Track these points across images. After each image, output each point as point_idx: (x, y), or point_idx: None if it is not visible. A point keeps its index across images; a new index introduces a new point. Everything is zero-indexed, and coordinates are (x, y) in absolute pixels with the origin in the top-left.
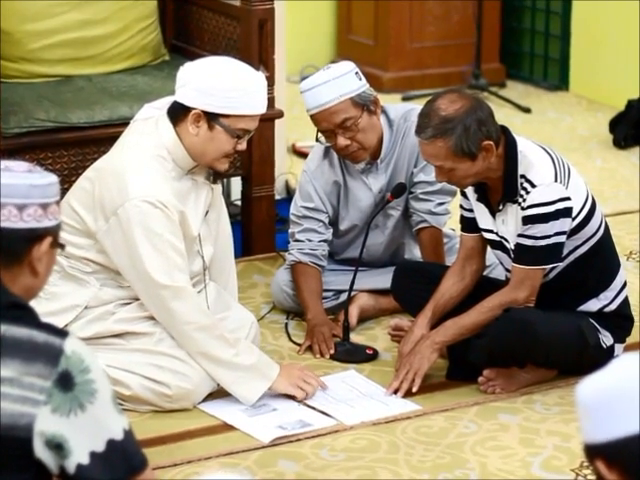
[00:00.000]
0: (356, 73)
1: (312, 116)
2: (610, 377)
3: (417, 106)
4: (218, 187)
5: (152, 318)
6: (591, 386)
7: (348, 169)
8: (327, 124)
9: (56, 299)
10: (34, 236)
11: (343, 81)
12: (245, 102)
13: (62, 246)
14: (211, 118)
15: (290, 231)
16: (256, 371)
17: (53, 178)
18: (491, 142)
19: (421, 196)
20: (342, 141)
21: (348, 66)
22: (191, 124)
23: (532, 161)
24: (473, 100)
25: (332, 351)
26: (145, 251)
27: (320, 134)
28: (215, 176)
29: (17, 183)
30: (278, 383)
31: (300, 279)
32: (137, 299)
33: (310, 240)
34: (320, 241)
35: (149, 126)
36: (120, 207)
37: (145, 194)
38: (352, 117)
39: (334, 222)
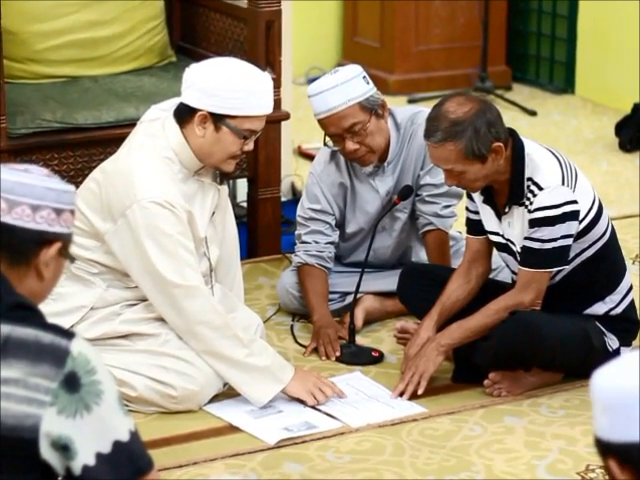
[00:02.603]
0: (364, 77)
1: (320, 120)
2: (633, 378)
3: (424, 108)
4: (224, 188)
5: (158, 319)
6: (612, 383)
7: (355, 171)
8: (335, 129)
9: (62, 300)
10: (44, 239)
11: (351, 86)
12: (251, 102)
13: (72, 259)
14: (217, 119)
15: (297, 233)
16: (269, 373)
17: (71, 187)
18: (500, 144)
19: (427, 199)
20: (350, 145)
21: (356, 70)
22: (197, 125)
23: (539, 164)
24: (481, 102)
25: (338, 353)
26: (155, 251)
27: (328, 138)
28: (221, 177)
29: (34, 184)
30: (291, 387)
31: (306, 281)
32: (143, 300)
33: (317, 242)
34: (327, 243)
35: (156, 127)
36: (128, 209)
37: (153, 195)
38: (360, 122)
39: (341, 225)
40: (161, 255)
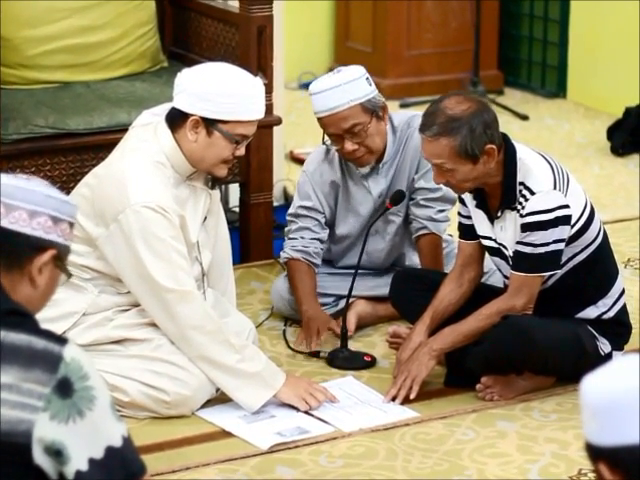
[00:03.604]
0: (367, 78)
1: (320, 119)
2: (621, 381)
3: (420, 113)
4: (216, 193)
5: (151, 325)
6: (600, 387)
7: (349, 171)
8: (335, 129)
9: (54, 306)
10: (39, 246)
11: (354, 86)
12: (243, 107)
13: (68, 273)
14: (209, 124)
15: (286, 229)
16: (260, 379)
17: (72, 201)
18: (494, 146)
19: (422, 202)
20: (349, 146)
21: (359, 71)
22: (189, 130)
23: (531, 168)
24: (480, 103)
25: (321, 338)
26: (148, 256)
27: (327, 137)
28: (213, 182)
29: (33, 190)
30: (282, 393)
31: (294, 276)
32: (136, 306)
33: (302, 237)
34: (312, 239)
35: (148, 132)
36: (120, 213)
37: (145, 200)
38: (361, 123)
39: (331, 225)
40: (154, 259)
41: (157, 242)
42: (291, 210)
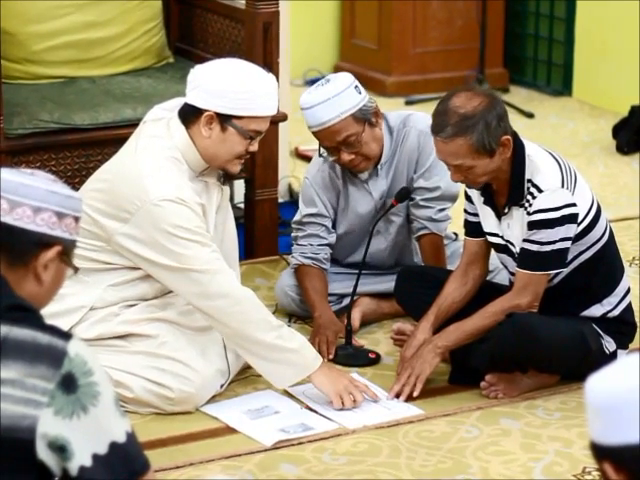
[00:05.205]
0: (355, 87)
1: (314, 133)
2: (625, 380)
3: (415, 112)
4: (227, 189)
5: (157, 320)
6: (604, 387)
7: (350, 174)
8: (330, 142)
9: (61, 300)
10: (43, 242)
11: (343, 98)
12: (258, 103)
13: (75, 268)
14: (224, 120)
15: (293, 235)
16: (297, 357)
17: (76, 195)
18: (509, 137)
19: (421, 203)
20: (346, 156)
21: (347, 80)
22: (204, 126)
23: (539, 166)
24: (489, 96)
25: (331, 356)
26: (176, 246)
27: (323, 149)
28: (225, 178)
29: (37, 186)
30: (319, 380)
31: (305, 280)
32: (144, 300)
33: (311, 245)
34: (320, 245)
35: (160, 128)
36: (141, 209)
37: (164, 194)
38: (354, 133)
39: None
40: (182, 248)
41: (182, 232)
42: (297, 217)
